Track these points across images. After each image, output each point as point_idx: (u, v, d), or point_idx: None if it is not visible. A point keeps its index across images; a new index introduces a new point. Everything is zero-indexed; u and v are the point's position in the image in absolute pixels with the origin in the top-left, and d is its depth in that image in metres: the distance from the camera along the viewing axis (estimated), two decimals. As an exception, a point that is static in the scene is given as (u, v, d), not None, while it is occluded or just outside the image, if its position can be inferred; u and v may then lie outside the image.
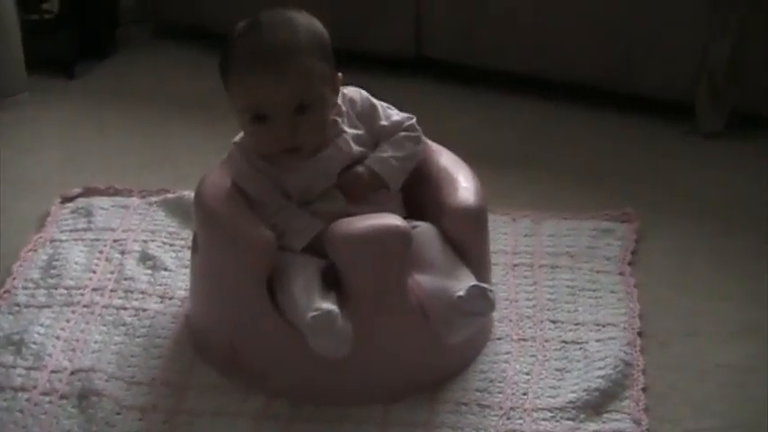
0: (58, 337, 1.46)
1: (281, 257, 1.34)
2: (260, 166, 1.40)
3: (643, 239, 1.71)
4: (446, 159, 1.50)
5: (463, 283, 1.32)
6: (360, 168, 1.42)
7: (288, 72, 1.33)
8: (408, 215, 1.44)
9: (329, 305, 1.27)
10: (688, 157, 1.97)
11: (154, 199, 1.79)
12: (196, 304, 1.48)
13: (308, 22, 1.38)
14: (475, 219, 1.42)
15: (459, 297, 1.30)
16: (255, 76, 1.34)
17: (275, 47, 1.33)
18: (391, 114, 1.47)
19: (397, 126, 1.46)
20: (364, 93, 1.47)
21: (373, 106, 1.46)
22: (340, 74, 1.41)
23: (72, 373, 1.40)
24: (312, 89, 1.35)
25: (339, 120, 1.42)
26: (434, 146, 1.52)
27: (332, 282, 1.33)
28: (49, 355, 1.43)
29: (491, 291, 1.32)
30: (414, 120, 1.48)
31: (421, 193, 1.46)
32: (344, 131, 1.42)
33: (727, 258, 1.67)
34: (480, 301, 1.31)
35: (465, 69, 2.21)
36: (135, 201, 1.79)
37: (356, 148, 1.43)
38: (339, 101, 1.43)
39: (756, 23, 1.96)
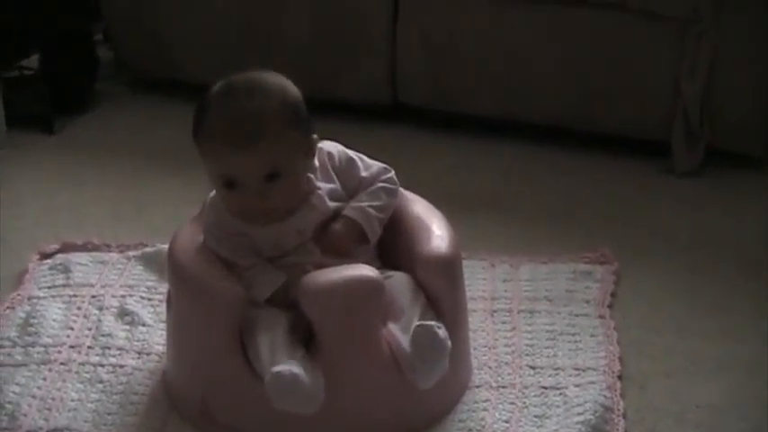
0: (33, 396, 1.45)
1: (249, 312, 1.34)
2: (230, 224, 1.39)
3: (619, 279, 1.71)
4: (420, 208, 1.49)
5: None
6: (337, 225, 1.41)
7: (259, 145, 1.31)
8: (383, 264, 1.44)
9: (292, 365, 1.26)
10: (663, 196, 1.98)
11: (132, 253, 1.78)
12: (170, 359, 1.47)
13: (281, 89, 1.35)
14: (448, 267, 1.41)
15: (410, 339, 1.30)
16: (226, 147, 1.32)
17: (247, 119, 1.31)
18: (370, 165, 1.46)
19: (377, 176, 1.46)
20: (340, 146, 1.46)
21: (351, 159, 1.45)
22: (315, 135, 1.39)
23: (47, 432, 1.39)
24: (283, 160, 1.34)
25: (312, 176, 1.40)
26: (408, 194, 1.51)
27: (304, 333, 1.32)
28: (24, 415, 1.42)
29: (439, 327, 1.30)
30: (392, 173, 1.47)
31: (395, 242, 1.46)
32: (318, 188, 1.41)
33: (702, 296, 1.67)
34: (428, 339, 1.29)
35: (440, 114, 2.22)
36: (113, 256, 1.79)
37: (331, 204, 1.41)
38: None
39: (725, 63, 1.98)
